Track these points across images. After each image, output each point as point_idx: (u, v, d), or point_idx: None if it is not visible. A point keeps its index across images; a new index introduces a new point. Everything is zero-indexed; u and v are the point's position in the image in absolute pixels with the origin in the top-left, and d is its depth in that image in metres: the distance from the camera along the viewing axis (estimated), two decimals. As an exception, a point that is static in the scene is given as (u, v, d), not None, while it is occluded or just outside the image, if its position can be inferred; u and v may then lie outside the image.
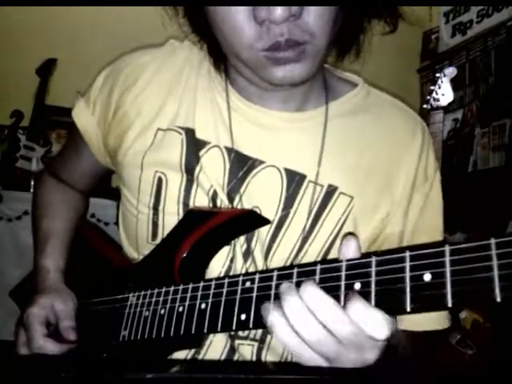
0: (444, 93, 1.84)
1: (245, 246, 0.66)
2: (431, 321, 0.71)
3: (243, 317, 0.51)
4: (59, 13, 1.88)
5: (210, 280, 0.56)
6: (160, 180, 0.68)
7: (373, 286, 0.43)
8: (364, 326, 0.42)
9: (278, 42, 0.55)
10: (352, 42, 0.66)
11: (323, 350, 0.44)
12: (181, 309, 0.58)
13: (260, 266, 0.66)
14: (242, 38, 0.56)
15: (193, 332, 0.55)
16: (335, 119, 0.70)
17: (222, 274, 0.66)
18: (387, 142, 0.70)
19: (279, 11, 0.51)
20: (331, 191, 0.67)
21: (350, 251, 0.46)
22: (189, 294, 0.58)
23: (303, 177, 0.67)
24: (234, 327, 0.51)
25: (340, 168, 0.68)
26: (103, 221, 1.57)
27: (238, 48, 0.58)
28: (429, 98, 1.87)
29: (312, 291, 0.44)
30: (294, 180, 0.67)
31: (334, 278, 0.46)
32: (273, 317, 0.45)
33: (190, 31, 0.67)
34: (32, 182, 1.70)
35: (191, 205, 0.67)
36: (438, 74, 1.89)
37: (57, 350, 0.68)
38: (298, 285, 0.46)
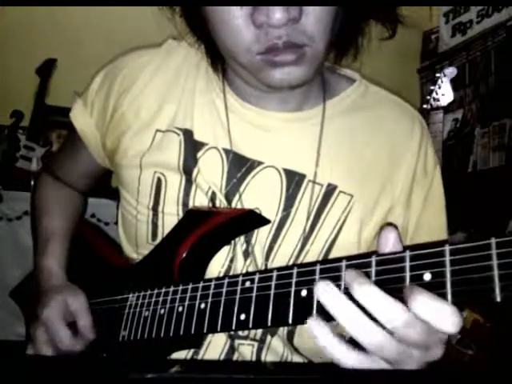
0: (444, 93, 1.84)
1: (244, 246, 0.66)
2: None
3: (243, 317, 0.51)
4: (59, 13, 1.88)
5: (210, 280, 0.56)
6: (159, 181, 0.68)
7: (373, 285, 0.43)
8: (434, 321, 0.38)
9: (276, 44, 0.54)
10: (350, 44, 0.66)
11: (385, 355, 0.40)
12: (180, 309, 0.58)
13: (260, 265, 0.66)
14: (240, 41, 0.56)
15: (192, 332, 0.55)
16: (332, 117, 0.69)
17: (221, 274, 0.66)
18: (386, 138, 0.70)
19: (278, 15, 0.51)
20: (330, 190, 0.67)
21: (389, 243, 0.44)
22: (188, 294, 0.58)
23: (302, 176, 0.67)
24: (233, 327, 0.51)
25: (339, 167, 0.68)
26: (103, 221, 1.57)
27: (235, 51, 0.58)
28: (429, 97, 1.87)
29: (368, 291, 0.40)
30: (294, 180, 0.67)
31: (333, 279, 0.46)
32: (316, 327, 0.41)
33: (188, 32, 0.67)
34: (32, 182, 1.70)
35: (191, 205, 0.67)
36: (438, 74, 1.89)
37: (82, 347, 0.68)
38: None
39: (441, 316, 0.37)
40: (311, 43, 0.56)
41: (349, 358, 0.40)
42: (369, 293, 0.39)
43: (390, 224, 0.47)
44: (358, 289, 0.40)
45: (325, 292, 0.41)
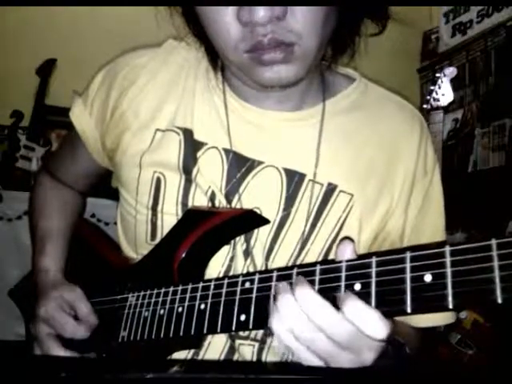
0: (444, 93, 1.84)
1: (245, 246, 0.66)
2: (435, 317, 0.71)
3: (243, 317, 0.51)
4: (59, 13, 1.87)
5: (210, 280, 0.56)
6: (158, 180, 0.68)
7: (373, 286, 0.43)
8: (361, 326, 0.42)
9: (261, 41, 0.54)
10: (347, 43, 0.66)
11: (317, 350, 0.44)
12: (180, 309, 0.58)
13: (259, 265, 0.66)
14: (228, 40, 0.56)
15: (192, 333, 0.55)
16: (332, 116, 0.69)
17: (221, 274, 0.66)
18: (386, 137, 0.70)
19: (262, 13, 0.51)
20: (331, 189, 0.67)
21: (346, 254, 0.47)
22: (188, 295, 0.58)
23: (303, 176, 0.67)
24: (233, 328, 0.51)
25: (339, 166, 0.68)
26: (103, 221, 1.56)
27: (224, 49, 0.58)
28: (429, 97, 1.87)
29: (305, 293, 0.44)
30: (294, 180, 0.67)
31: (334, 279, 0.46)
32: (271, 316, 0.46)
33: (187, 32, 0.67)
34: (32, 182, 1.70)
35: (190, 205, 0.67)
36: (438, 74, 1.88)
37: (86, 333, 0.69)
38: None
39: (369, 322, 0.42)
40: (299, 41, 0.55)
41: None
42: (305, 295, 0.44)
43: (346, 238, 0.52)
44: (297, 291, 0.45)
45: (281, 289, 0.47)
